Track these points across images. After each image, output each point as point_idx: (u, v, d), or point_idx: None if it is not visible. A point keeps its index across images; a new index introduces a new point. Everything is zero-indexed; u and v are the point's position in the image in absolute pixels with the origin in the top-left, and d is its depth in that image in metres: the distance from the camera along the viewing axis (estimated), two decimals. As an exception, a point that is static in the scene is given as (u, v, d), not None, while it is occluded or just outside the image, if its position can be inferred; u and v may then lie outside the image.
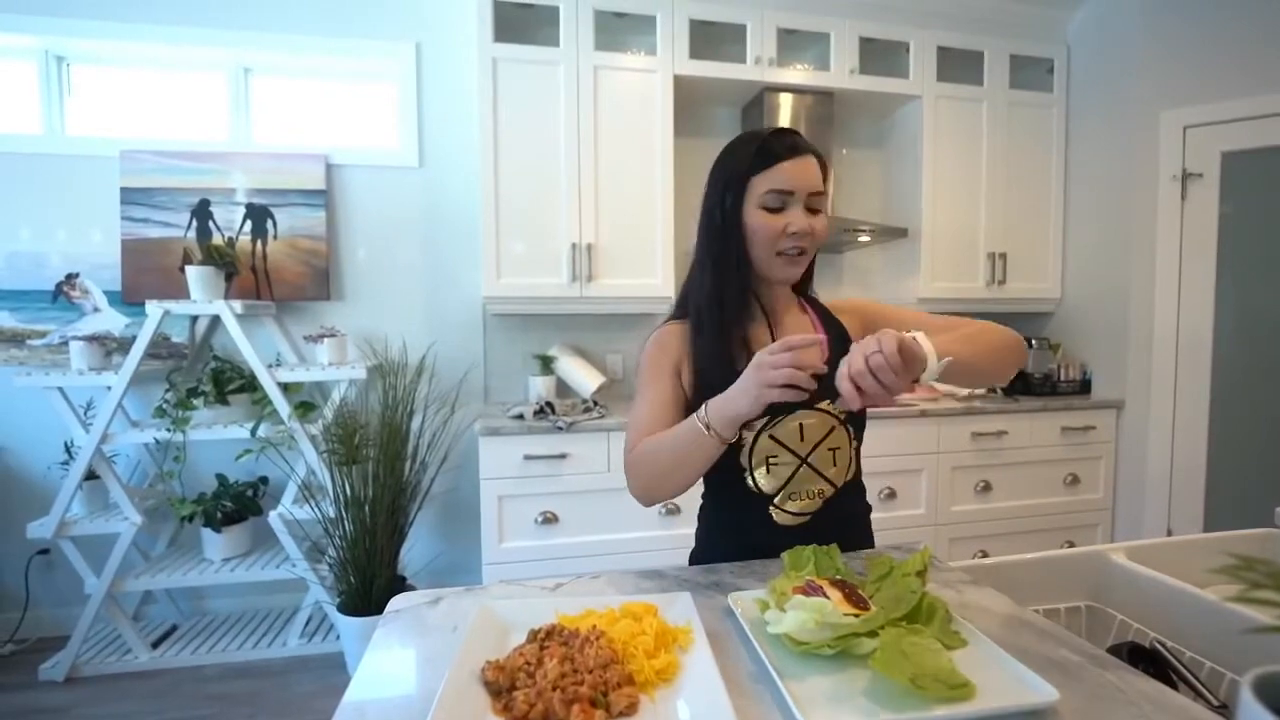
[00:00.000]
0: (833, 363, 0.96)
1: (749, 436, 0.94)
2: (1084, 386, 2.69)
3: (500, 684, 0.59)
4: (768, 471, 0.94)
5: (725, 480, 0.96)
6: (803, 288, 1.06)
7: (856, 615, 0.65)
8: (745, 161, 0.90)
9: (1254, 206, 2.26)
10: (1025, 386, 2.68)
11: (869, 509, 1.05)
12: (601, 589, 0.85)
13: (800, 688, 0.60)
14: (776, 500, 0.95)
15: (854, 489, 1.01)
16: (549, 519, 2.09)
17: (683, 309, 1.02)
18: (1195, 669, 0.78)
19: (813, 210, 0.92)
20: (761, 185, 0.90)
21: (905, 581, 0.72)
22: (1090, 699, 0.59)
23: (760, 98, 2.50)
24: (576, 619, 0.71)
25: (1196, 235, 2.36)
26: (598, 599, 0.76)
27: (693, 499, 1.04)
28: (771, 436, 0.94)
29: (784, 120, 2.49)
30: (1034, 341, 2.73)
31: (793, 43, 2.53)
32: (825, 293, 1.07)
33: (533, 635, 0.67)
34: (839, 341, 0.99)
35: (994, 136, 2.67)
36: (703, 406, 0.83)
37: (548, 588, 0.85)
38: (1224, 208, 2.31)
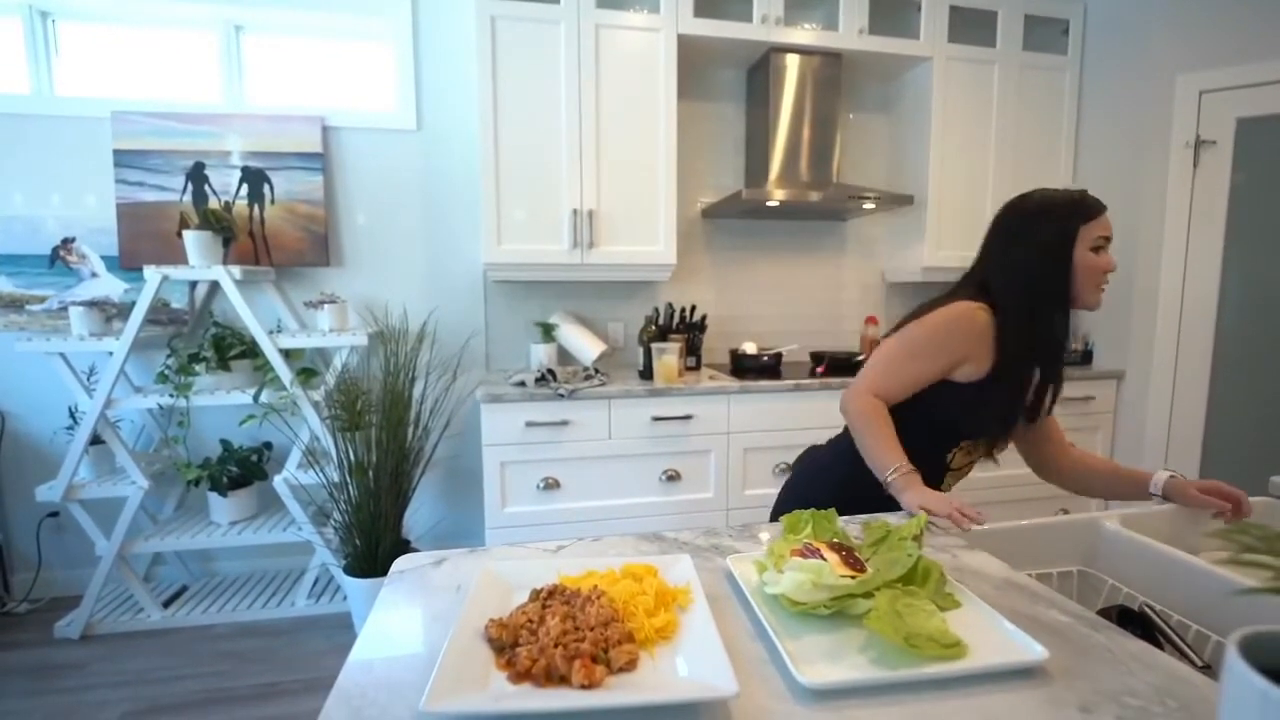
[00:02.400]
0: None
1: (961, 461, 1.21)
2: (1085, 357, 2.69)
3: (503, 641, 0.60)
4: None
5: (920, 449, 1.11)
6: None
7: (852, 577, 0.67)
8: (1076, 214, 1.08)
9: (1266, 175, 2.22)
10: (1026, 356, 2.67)
11: None
12: (602, 551, 0.86)
13: (796, 645, 0.62)
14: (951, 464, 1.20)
15: None
16: (550, 485, 2.12)
17: (987, 295, 1.11)
18: (1182, 631, 0.79)
19: None
20: (1093, 231, 1.07)
21: (901, 545, 0.73)
22: (1079, 658, 0.61)
23: (766, 59, 2.43)
24: (578, 579, 0.72)
25: (1206, 204, 2.32)
26: (598, 560, 0.77)
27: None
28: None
29: (791, 82, 2.42)
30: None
31: (800, 0, 2.44)
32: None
33: (535, 594, 0.68)
34: None
35: (1005, 100, 2.60)
36: (897, 474, 1.02)
37: (549, 550, 0.86)
38: (1236, 176, 2.27)
